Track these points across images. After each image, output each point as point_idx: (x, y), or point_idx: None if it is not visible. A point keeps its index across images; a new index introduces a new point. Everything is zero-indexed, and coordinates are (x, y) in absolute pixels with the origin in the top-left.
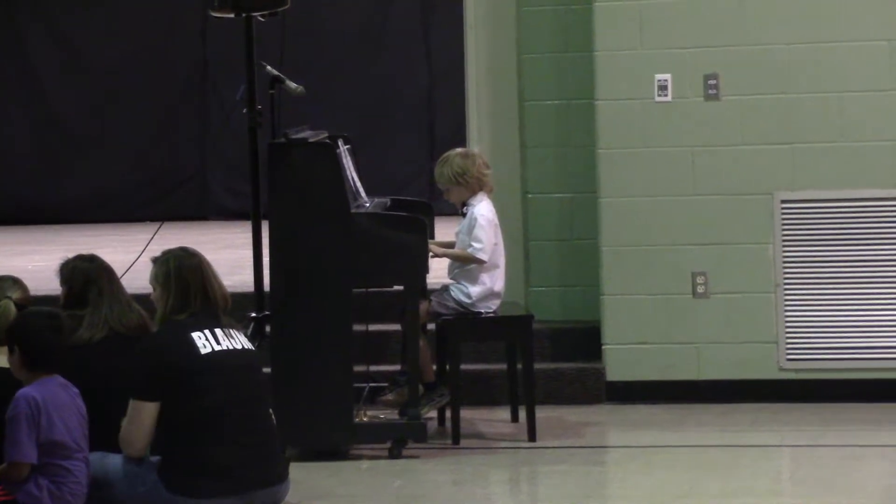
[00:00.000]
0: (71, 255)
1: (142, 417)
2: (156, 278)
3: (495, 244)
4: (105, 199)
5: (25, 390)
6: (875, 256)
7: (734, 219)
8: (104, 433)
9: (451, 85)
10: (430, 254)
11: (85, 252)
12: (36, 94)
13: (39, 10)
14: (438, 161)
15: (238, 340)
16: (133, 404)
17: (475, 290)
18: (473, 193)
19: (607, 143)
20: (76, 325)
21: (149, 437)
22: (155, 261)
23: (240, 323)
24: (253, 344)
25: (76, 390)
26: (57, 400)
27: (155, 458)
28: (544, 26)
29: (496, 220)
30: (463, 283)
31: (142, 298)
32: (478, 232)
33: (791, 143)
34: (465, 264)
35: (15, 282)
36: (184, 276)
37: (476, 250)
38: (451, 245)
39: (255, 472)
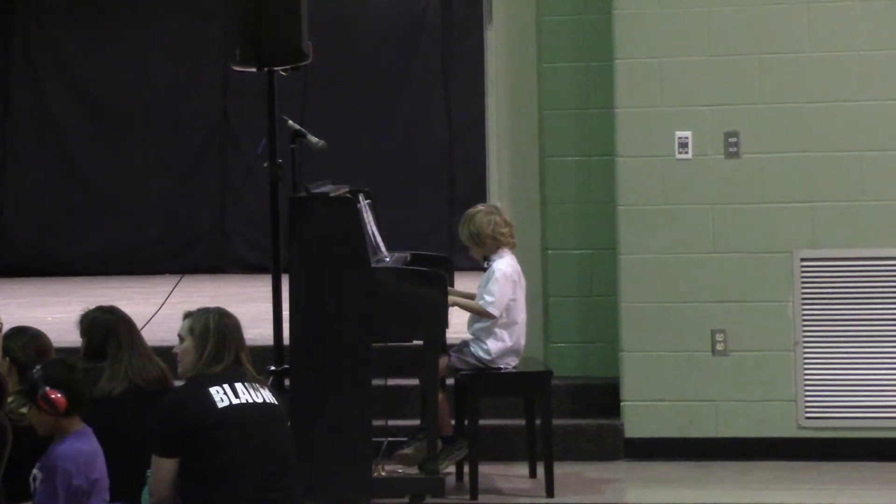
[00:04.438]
0: (91, 306)
1: (162, 472)
2: (190, 331)
3: (513, 300)
4: (125, 252)
5: (67, 449)
6: (895, 315)
7: (754, 277)
8: (124, 485)
9: (472, 140)
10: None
11: (105, 304)
12: (56, 147)
13: (61, 64)
14: (462, 217)
15: (261, 394)
16: (153, 459)
17: (495, 347)
18: (493, 251)
19: (627, 200)
20: (96, 378)
21: (170, 490)
22: (190, 314)
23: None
24: (277, 399)
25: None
26: (89, 456)
27: None
28: (565, 83)
29: (517, 277)
30: (482, 339)
31: (162, 351)
32: (491, 286)
33: (811, 201)
34: (480, 319)
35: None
36: (222, 331)
37: (487, 303)
38: (472, 296)
39: None
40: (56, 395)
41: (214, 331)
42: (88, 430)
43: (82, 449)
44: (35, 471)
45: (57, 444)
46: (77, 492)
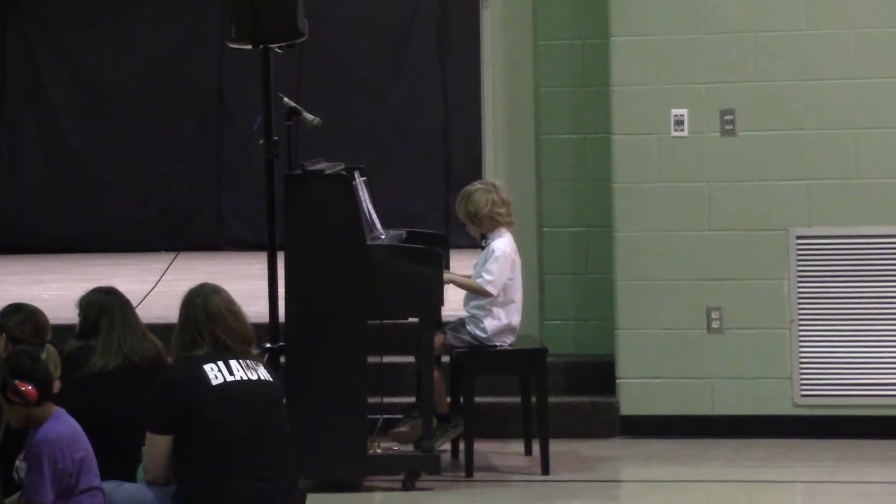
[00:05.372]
0: (88, 284)
1: (156, 450)
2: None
3: (510, 279)
4: (121, 229)
5: (48, 433)
6: (890, 293)
7: (749, 254)
8: (118, 462)
9: (468, 118)
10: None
11: (103, 283)
12: (53, 126)
13: (55, 42)
14: (460, 194)
15: (256, 372)
16: (148, 436)
17: (491, 325)
18: (491, 230)
19: (623, 178)
20: (89, 355)
21: (164, 467)
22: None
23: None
24: (272, 376)
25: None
26: (70, 437)
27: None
28: (561, 60)
29: (514, 256)
30: (479, 317)
31: (157, 328)
32: (491, 265)
33: (807, 179)
34: (476, 297)
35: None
36: (190, 312)
37: (485, 282)
38: (467, 277)
39: None
40: (27, 388)
41: (183, 311)
42: (62, 411)
43: (62, 431)
44: (18, 462)
45: (36, 432)
46: (64, 474)
